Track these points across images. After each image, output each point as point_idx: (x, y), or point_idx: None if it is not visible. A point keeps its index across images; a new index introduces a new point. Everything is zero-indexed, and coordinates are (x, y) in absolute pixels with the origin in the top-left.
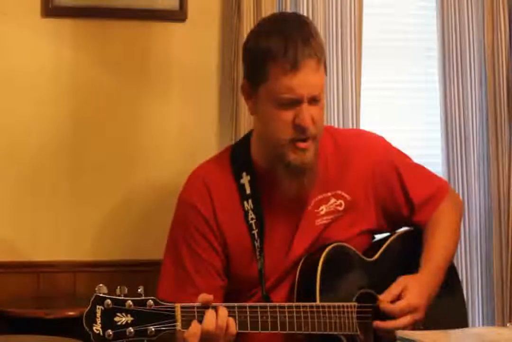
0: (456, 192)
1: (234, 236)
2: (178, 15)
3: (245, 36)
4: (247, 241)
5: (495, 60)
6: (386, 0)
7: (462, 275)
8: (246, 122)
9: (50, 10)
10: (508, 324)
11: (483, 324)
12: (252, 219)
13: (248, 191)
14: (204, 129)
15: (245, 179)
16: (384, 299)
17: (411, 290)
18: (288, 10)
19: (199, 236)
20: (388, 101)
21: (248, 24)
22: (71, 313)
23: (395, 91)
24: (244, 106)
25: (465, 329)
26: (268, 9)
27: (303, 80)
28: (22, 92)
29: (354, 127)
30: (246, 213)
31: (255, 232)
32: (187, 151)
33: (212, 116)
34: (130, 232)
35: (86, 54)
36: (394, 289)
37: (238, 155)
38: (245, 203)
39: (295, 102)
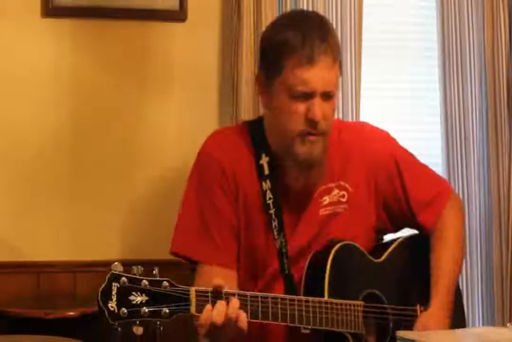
0: (456, 192)
1: (249, 208)
2: (178, 15)
3: (245, 36)
4: (261, 218)
5: (495, 60)
6: (386, 0)
7: (462, 275)
8: None
9: (50, 10)
10: (508, 324)
11: (483, 324)
12: (270, 198)
13: (266, 172)
14: (204, 129)
15: (264, 160)
16: None
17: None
18: (289, 10)
19: (220, 190)
20: (388, 101)
21: (248, 24)
22: (71, 313)
23: (395, 91)
24: (244, 106)
25: (466, 329)
26: (268, 9)
27: (317, 74)
28: (22, 92)
29: (347, 120)
30: (264, 192)
31: (272, 211)
32: (187, 152)
33: (212, 116)
34: (130, 231)
35: (86, 54)
36: None
37: (256, 136)
38: (263, 183)
39: (308, 96)
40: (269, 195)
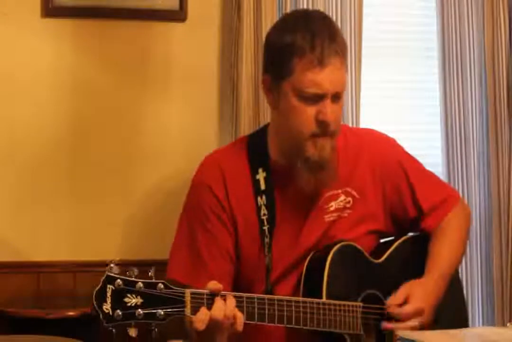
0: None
1: (245, 226)
2: (178, 15)
3: (245, 36)
4: (256, 235)
5: (495, 60)
6: (386, 0)
7: (462, 274)
8: (246, 122)
9: (50, 10)
10: (508, 324)
11: (483, 324)
12: (264, 214)
13: (262, 187)
14: (204, 129)
15: (261, 175)
16: (391, 303)
17: (416, 295)
18: (288, 10)
19: (213, 216)
20: (388, 101)
21: (248, 24)
22: (71, 313)
23: (395, 91)
24: (244, 106)
25: (465, 329)
26: (268, 9)
27: (329, 76)
28: (22, 92)
29: (354, 127)
30: (258, 208)
31: (265, 228)
32: (187, 151)
33: (212, 116)
34: (130, 231)
35: (86, 54)
36: (400, 294)
37: (255, 149)
38: (259, 198)
39: (319, 98)
40: (263, 210)
